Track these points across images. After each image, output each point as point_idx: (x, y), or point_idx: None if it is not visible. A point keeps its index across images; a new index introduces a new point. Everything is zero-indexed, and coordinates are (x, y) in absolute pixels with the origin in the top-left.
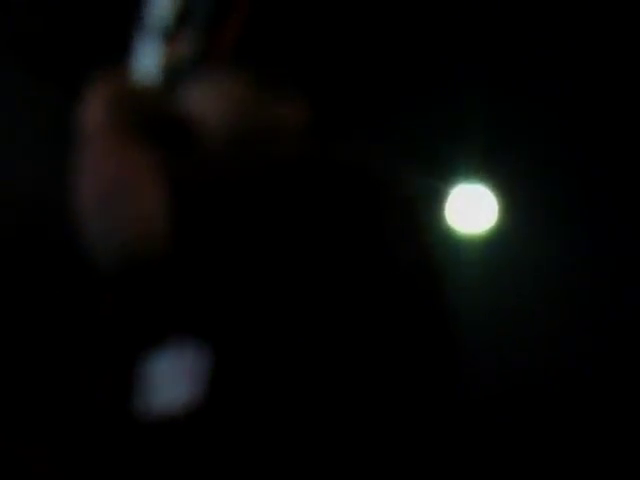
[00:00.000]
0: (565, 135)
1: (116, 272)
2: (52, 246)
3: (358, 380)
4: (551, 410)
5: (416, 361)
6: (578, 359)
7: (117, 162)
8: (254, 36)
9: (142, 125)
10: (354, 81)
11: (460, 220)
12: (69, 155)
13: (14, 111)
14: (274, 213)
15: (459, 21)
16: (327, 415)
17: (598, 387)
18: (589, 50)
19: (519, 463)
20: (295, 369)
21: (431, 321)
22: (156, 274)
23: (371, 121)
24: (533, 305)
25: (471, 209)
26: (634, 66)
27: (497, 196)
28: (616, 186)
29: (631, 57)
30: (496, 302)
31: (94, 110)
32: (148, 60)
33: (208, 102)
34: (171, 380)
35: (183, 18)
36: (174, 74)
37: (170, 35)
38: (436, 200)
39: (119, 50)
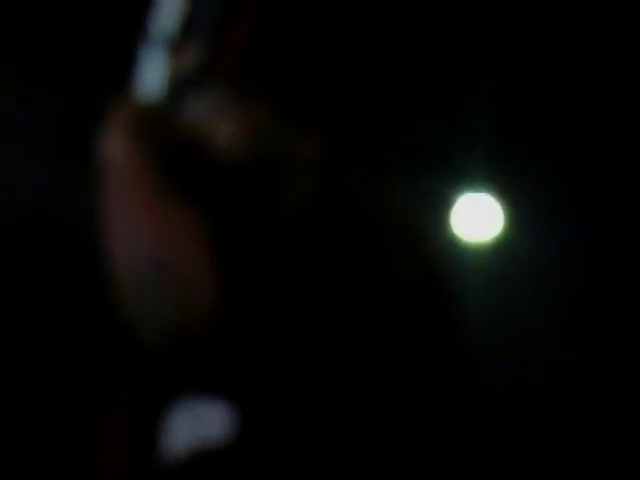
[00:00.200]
0: (572, 144)
1: (162, 350)
2: (54, 255)
3: (371, 410)
4: (558, 417)
5: (420, 365)
6: (585, 367)
7: (157, 221)
8: (264, 47)
9: (168, 158)
10: (356, 89)
11: (466, 229)
12: (71, 162)
13: (16, 119)
14: (324, 287)
15: (466, 29)
16: (346, 447)
17: (605, 395)
18: (598, 58)
19: (525, 466)
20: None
21: (437, 330)
22: (204, 352)
23: (374, 129)
24: (539, 313)
25: (477, 218)
26: None
27: (503, 205)
28: (623, 196)
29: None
30: (502, 310)
31: (115, 143)
32: (153, 71)
33: (217, 122)
34: (196, 430)
35: (189, 27)
36: (180, 86)
37: (176, 45)
38: (442, 208)
39: (123, 59)
